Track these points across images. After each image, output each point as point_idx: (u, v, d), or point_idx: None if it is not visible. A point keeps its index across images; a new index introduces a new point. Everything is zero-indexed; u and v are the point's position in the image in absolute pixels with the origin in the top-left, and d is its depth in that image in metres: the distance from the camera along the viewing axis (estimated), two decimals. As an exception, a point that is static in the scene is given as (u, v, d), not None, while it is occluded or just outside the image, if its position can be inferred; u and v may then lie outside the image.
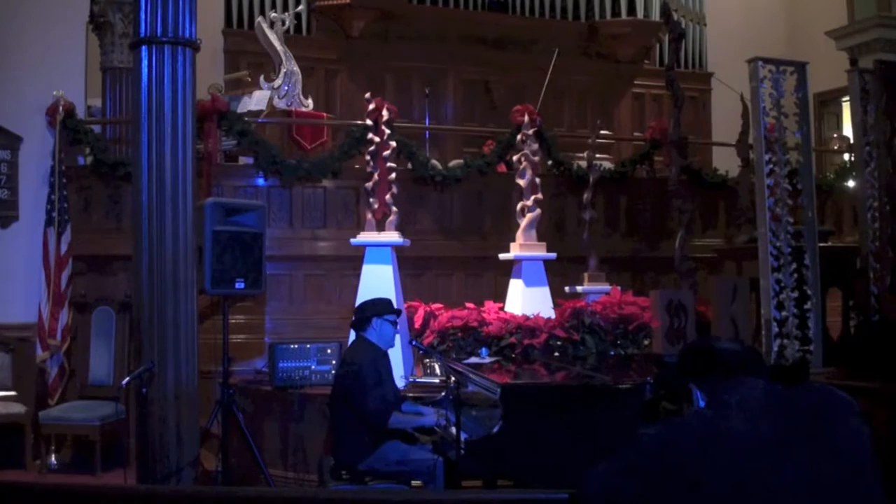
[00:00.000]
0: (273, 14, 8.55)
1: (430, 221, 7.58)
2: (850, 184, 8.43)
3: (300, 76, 8.28)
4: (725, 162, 8.81)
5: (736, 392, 2.15)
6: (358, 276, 6.47)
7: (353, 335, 4.97)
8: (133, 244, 4.64)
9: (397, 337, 5.06)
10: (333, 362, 5.86)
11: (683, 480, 2.04)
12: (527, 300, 6.62)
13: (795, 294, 5.88)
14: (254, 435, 5.52)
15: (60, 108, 6.75)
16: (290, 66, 8.16)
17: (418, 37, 10.37)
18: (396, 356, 5.15)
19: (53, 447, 6.31)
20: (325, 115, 8.74)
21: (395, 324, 4.81)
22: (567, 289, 7.06)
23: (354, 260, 6.63)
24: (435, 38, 10.42)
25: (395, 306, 5.11)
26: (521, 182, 6.96)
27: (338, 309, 6.94)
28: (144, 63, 4.58)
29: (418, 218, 7.50)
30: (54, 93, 6.79)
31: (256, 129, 7.32)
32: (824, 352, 5.96)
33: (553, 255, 6.87)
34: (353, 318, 4.86)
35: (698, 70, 11.50)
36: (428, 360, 6.11)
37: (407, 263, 6.93)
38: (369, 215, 6.54)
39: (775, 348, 5.77)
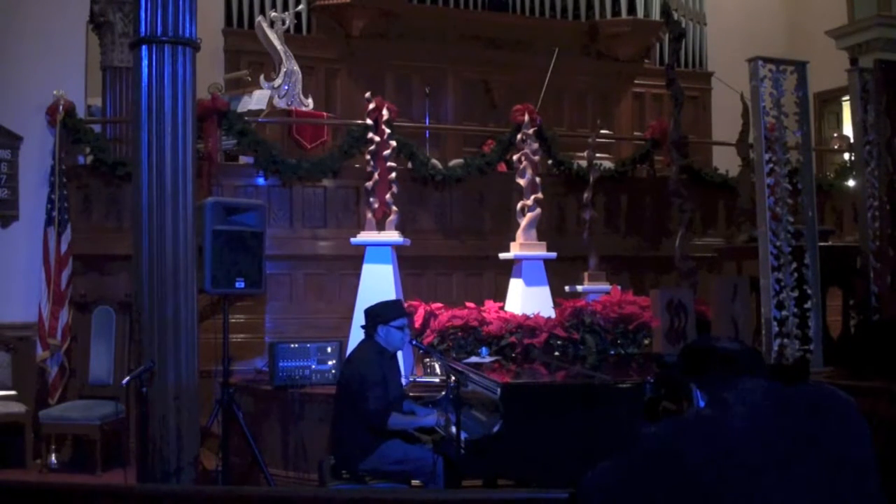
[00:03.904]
0: (273, 13, 8.56)
1: (430, 221, 7.58)
2: (851, 183, 8.44)
3: (300, 75, 8.28)
4: (725, 161, 8.81)
5: (736, 391, 2.15)
6: (358, 275, 6.48)
7: (360, 333, 4.95)
8: (133, 244, 4.63)
9: None
10: (333, 362, 5.87)
11: (683, 480, 2.04)
12: (527, 300, 6.63)
13: (795, 293, 5.88)
14: (254, 434, 5.53)
15: (60, 107, 6.74)
16: (290, 65, 8.16)
17: (418, 36, 10.36)
18: (397, 355, 5.14)
19: (53, 447, 6.30)
20: (325, 114, 8.75)
21: (403, 328, 4.77)
22: (567, 288, 7.07)
23: (355, 259, 6.64)
24: (435, 37, 10.42)
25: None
26: (522, 181, 6.96)
27: (338, 308, 6.94)
28: (144, 62, 4.58)
29: (418, 217, 7.50)
30: (54, 92, 6.78)
31: (256, 128, 7.33)
32: (824, 351, 5.96)
33: (553, 254, 6.87)
34: (363, 324, 4.84)
35: (698, 69, 11.50)
36: (428, 360, 6.11)
37: (407, 263, 6.93)
38: (369, 215, 6.54)
39: (775, 348, 5.77)
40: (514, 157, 7.38)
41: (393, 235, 6.46)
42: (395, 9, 10.11)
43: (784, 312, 5.84)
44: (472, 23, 10.58)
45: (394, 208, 6.50)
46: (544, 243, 6.90)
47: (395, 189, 6.54)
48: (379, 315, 4.73)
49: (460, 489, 4.18)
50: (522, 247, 6.83)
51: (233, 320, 6.01)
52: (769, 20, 11.30)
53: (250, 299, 6.82)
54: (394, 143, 6.70)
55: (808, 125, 6.25)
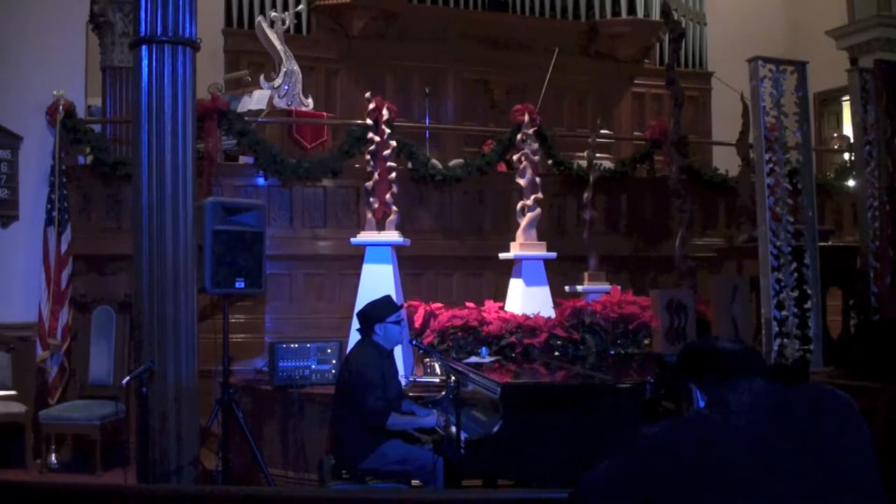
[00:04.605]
0: (273, 13, 8.56)
1: (430, 221, 7.58)
2: (850, 183, 8.43)
3: (300, 75, 8.28)
4: (725, 161, 8.81)
5: (736, 392, 2.15)
6: (358, 275, 6.48)
7: (358, 335, 4.95)
8: (133, 244, 4.64)
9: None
10: (333, 362, 5.87)
11: (683, 480, 2.04)
12: (527, 299, 6.62)
13: (795, 293, 5.88)
14: (254, 434, 5.53)
15: (60, 107, 6.74)
16: (290, 65, 8.16)
17: (418, 36, 10.37)
18: (397, 355, 5.14)
19: (53, 446, 6.30)
20: (325, 114, 8.75)
21: (399, 322, 4.79)
22: (567, 288, 7.07)
23: (354, 259, 6.64)
24: (435, 37, 10.42)
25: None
26: (522, 181, 6.96)
27: (338, 308, 6.95)
28: (144, 62, 4.58)
29: (418, 217, 7.50)
30: (54, 92, 6.78)
31: (256, 128, 7.33)
32: (824, 351, 5.96)
33: (553, 254, 6.87)
34: (358, 326, 4.84)
35: (698, 69, 11.51)
36: (428, 360, 6.11)
37: (407, 263, 6.93)
38: (369, 215, 6.54)
39: (775, 348, 5.77)
40: (514, 157, 7.38)
41: (393, 235, 6.46)
42: (395, 9, 10.12)
43: (784, 312, 5.84)
44: (472, 23, 10.58)
45: (394, 208, 6.50)
46: (544, 243, 6.89)
47: (395, 189, 6.54)
48: (373, 314, 4.73)
49: (460, 489, 4.18)
50: (522, 247, 6.83)
51: (233, 320, 6.00)
52: (769, 20, 11.30)
53: (250, 299, 6.82)
54: (394, 143, 6.70)
55: (808, 125, 6.25)
